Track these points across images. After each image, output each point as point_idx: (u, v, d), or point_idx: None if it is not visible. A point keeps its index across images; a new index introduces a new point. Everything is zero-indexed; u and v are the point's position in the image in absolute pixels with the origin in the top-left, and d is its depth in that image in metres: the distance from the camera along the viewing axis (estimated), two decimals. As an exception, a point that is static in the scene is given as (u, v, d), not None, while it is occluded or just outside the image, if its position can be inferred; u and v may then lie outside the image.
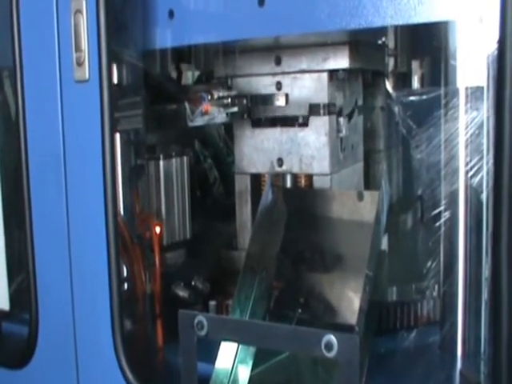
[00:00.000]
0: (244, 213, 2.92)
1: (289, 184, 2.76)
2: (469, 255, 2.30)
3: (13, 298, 2.88)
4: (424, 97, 2.57)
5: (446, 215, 2.34)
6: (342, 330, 2.23)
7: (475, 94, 2.18)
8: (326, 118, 2.67)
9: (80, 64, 2.39)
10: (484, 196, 2.17)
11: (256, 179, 2.89)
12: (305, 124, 2.73)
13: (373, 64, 3.15)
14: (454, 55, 2.25)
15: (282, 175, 2.78)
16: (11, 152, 2.79)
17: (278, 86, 2.82)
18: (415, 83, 4.03)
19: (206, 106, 2.76)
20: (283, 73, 2.82)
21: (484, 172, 2.16)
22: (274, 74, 2.84)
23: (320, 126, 2.67)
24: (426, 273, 2.45)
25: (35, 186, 2.57)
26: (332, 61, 2.72)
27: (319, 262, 2.57)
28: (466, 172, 2.23)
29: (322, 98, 2.73)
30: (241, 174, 2.90)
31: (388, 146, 3.38)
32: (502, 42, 1.84)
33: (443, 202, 2.34)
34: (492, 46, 1.94)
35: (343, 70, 2.76)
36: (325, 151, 2.67)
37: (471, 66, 2.19)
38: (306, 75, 2.77)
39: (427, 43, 3.16)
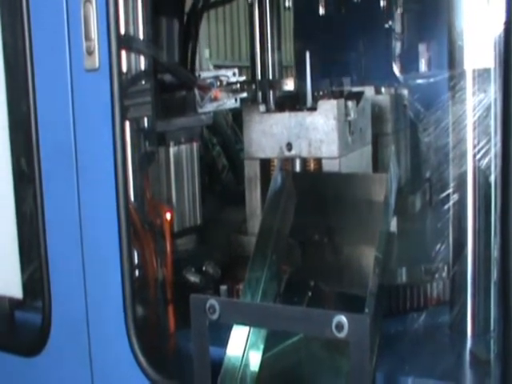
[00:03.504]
0: (253, 198, 2.94)
1: (298, 168, 2.77)
2: (477, 236, 2.31)
3: (26, 286, 2.90)
4: (431, 79, 2.58)
5: (454, 197, 2.34)
6: (354, 300, 2.27)
7: (482, 75, 2.19)
8: (334, 102, 2.68)
9: (90, 53, 2.40)
10: (492, 178, 2.18)
11: (265, 164, 2.90)
12: (313, 108, 2.74)
13: None
14: (461, 37, 2.25)
15: (291, 159, 2.79)
16: (23, 141, 2.81)
17: None
18: (422, 66, 4.04)
19: (215, 92, 2.78)
20: None
21: (492, 154, 2.17)
22: None
23: (328, 109, 2.67)
24: (435, 254, 2.46)
25: (47, 173, 2.59)
26: None
27: (329, 245, 2.59)
28: (474, 154, 2.23)
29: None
30: (250, 159, 2.91)
31: (396, 129, 3.38)
32: (508, 24, 1.86)
33: (452, 184, 2.35)
34: (499, 28, 1.95)
35: None
36: (333, 135, 2.68)
37: (478, 47, 2.19)
38: None
39: (434, 25, 3.17)
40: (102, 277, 2.53)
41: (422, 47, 4.06)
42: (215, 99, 2.78)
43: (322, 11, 3.62)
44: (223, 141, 4.01)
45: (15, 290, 2.91)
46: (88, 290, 2.57)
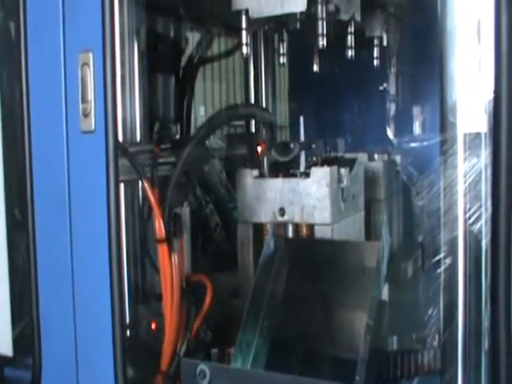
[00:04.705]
0: (246, 261, 2.93)
1: (290, 233, 2.78)
2: (468, 304, 2.30)
3: (16, 343, 2.89)
4: (425, 143, 2.59)
5: (445, 263, 2.34)
6: (345, 365, 2.26)
7: (474, 140, 2.20)
8: (327, 169, 2.70)
9: (86, 115, 2.43)
10: (483, 243, 2.18)
11: (258, 228, 2.90)
12: (307, 174, 2.75)
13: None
14: (454, 101, 2.27)
15: (284, 224, 2.80)
16: (18, 201, 2.83)
17: None
18: (416, 128, 4.06)
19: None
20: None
21: (483, 219, 2.17)
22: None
23: (321, 176, 2.69)
24: (426, 322, 2.46)
25: (41, 234, 2.60)
26: None
27: (320, 311, 2.59)
28: (466, 219, 2.24)
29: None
30: (244, 223, 2.92)
31: (389, 195, 3.40)
32: (498, 91, 1.89)
33: (443, 249, 2.35)
34: (491, 93, 1.98)
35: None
36: (326, 201, 2.69)
37: (470, 112, 2.21)
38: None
39: (428, 88, 3.20)
40: (93, 336, 2.53)
41: (416, 109, 4.08)
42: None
43: (316, 68, 3.65)
44: (216, 199, 4.02)
45: (5, 347, 2.89)
46: (79, 347, 2.56)
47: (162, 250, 2.60)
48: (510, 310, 1.94)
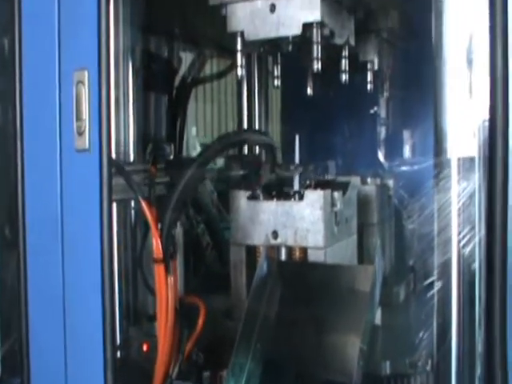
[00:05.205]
0: (239, 284, 2.91)
1: (283, 256, 2.77)
2: (461, 327, 2.29)
3: (4, 362, 2.87)
4: (416, 167, 2.60)
5: (438, 285, 2.34)
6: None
7: (467, 164, 2.21)
8: (320, 193, 2.69)
9: (80, 133, 2.42)
10: (476, 265, 2.19)
11: (251, 250, 2.89)
12: (300, 197, 2.75)
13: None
14: (446, 125, 2.29)
15: (277, 247, 2.78)
16: (9, 218, 2.81)
17: (272, 8, 2.74)
18: (406, 152, 4.07)
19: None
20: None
21: (476, 241, 2.18)
22: (267, -4, 2.80)
23: (315, 199, 2.68)
24: (418, 346, 2.45)
25: (32, 252, 2.59)
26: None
27: (313, 334, 2.57)
28: (458, 241, 2.24)
29: (315, 16, 2.68)
30: (236, 245, 2.91)
31: (381, 219, 3.39)
32: (492, 112, 1.90)
33: (435, 272, 2.35)
34: (482, 117, 1.99)
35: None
36: (319, 225, 2.68)
37: (463, 136, 2.22)
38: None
39: (419, 112, 3.21)
40: (83, 356, 2.51)
41: (406, 133, 4.10)
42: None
43: (309, 91, 3.65)
44: (207, 219, 4.02)
45: (-7, 366, 2.88)
46: (68, 367, 2.55)
47: (159, 270, 2.59)
48: (505, 334, 1.94)
